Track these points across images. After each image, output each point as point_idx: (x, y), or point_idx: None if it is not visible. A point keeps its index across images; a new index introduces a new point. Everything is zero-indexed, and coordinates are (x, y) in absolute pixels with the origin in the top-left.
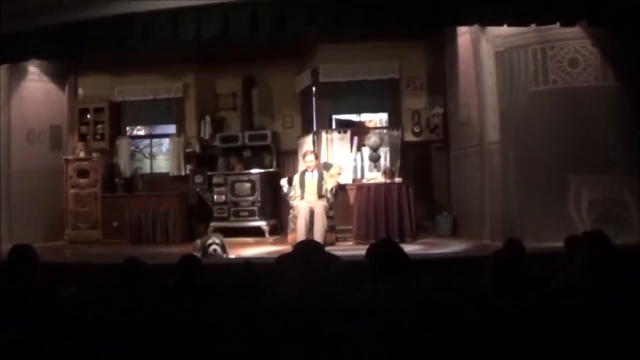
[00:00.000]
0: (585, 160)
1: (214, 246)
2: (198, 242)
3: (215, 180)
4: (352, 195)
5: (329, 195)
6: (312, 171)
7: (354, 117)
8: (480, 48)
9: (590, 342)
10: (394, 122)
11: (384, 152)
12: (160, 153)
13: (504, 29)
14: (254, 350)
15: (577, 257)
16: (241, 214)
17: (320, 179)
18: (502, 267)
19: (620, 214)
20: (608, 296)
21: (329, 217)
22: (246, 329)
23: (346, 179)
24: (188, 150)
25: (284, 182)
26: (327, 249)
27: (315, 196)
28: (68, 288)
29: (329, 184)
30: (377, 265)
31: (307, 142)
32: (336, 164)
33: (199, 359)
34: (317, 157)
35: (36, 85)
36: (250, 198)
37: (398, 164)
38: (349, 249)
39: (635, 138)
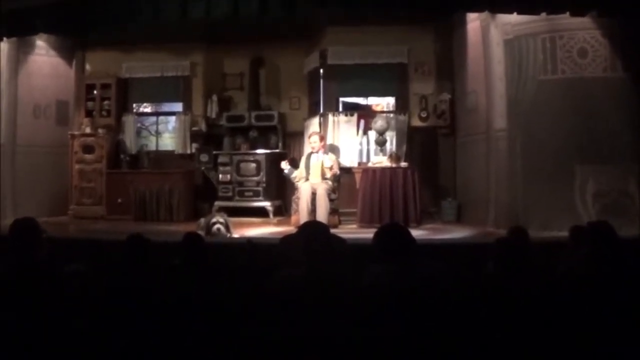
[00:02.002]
0: (591, 151)
1: (218, 225)
2: (202, 220)
3: (220, 159)
4: (357, 178)
5: (332, 180)
6: (317, 152)
7: (361, 101)
8: (490, 35)
9: (593, 333)
10: (401, 107)
11: (390, 137)
12: (166, 131)
13: (514, 17)
14: (260, 330)
15: (582, 247)
16: (246, 194)
17: (323, 166)
18: (505, 254)
19: (625, 205)
20: (612, 287)
21: (330, 200)
22: (252, 309)
23: (352, 162)
24: (194, 128)
25: (284, 164)
26: (331, 231)
27: (319, 179)
28: (73, 264)
29: (327, 174)
30: (385, 248)
31: (314, 124)
32: (329, 157)
33: (205, 339)
34: (322, 138)
35: (43, 59)
36: (255, 178)
37: (404, 148)
38: (353, 232)
39: None
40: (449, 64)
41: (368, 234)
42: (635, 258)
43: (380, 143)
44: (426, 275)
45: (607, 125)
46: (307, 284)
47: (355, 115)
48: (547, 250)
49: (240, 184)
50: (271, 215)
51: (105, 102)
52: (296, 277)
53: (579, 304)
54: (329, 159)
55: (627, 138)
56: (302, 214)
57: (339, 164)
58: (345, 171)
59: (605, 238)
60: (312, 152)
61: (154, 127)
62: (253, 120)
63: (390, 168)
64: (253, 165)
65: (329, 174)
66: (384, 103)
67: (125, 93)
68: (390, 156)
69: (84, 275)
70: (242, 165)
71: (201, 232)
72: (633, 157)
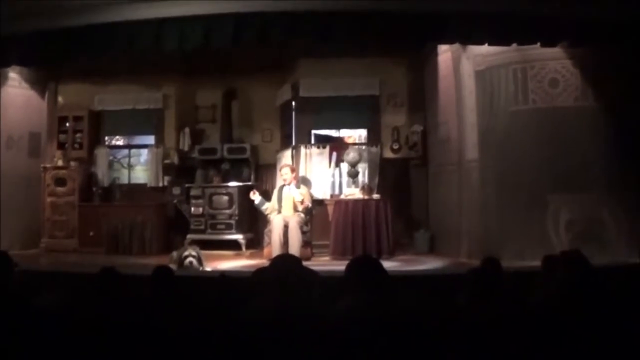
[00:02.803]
0: (564, 180)
1: (190, 258)
2: (174, 254)
3: (193, 192)
4: (329, 210)
5: (303, 213)
6: (289, 185)
7: (333, 133)
8: (461, 66)
9: None
10: (373, 139)
11: (363, 168)
12: (138, 163)
13: (485, 48)
14: None
15: (555, 276)
16: (218, 226)
17: (294, 200)
18: (478, 286)
19: (599, 233)
20: (585, 316)
21: (303, 232)
22: (223, 340)
23: (324, 194)
24: (166, 161)
25: (253, 195)
26: (303, 264)
27: (291, 211)
28: (45, 295)
29: (298, 207)
30: (357, 280)
31: (286, 157)
32: (300, 191)
33: None
34: (293, 170)
35: (16, 91)
36: (228, 211)
37: (376, 180)
38: (326, 264)
39: (614, 158)
40: (421, 95)
41: (341, 266)
42: (608, 286)
43: (353, 175)
44: (398, 307)
45: (579, 155)
46: (278, 317)
47: (328, 148)
48: (520, 280)
49: (213, 216)
50: (244, 248)
51: (78, 135)
52: (267, 309)
53: (551, 334)
54: (299, 193)
55: (599, 167)
56: (274, 247)
57: (310, 196)
58: (318, 203)
59: (578, 267)
60: (283, 185)
61: (126, 160)
62: (225, 153)
63: (363, 200)
64: (225, 198)
65: (300, 207)
66: (356, 135)
67: (98, 125)
68: (363, 188)
69: (55, 307)
70: (215, 198)
71: (173, 265)
72: (606, 186)
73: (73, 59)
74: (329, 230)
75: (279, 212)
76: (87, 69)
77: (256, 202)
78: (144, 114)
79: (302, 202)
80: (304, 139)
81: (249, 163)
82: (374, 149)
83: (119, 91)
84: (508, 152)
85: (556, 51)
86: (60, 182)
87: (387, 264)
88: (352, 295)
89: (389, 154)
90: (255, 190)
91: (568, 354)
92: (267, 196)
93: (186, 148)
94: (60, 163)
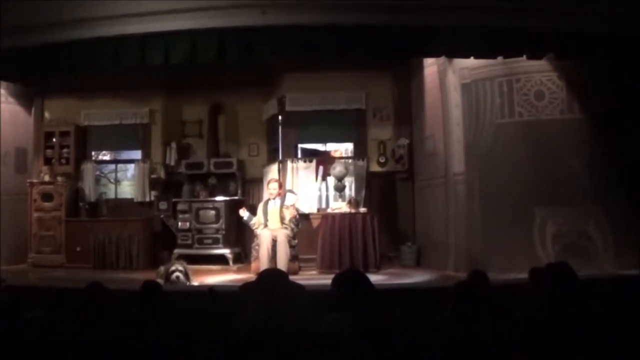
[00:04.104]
0: (550, 192)
1: (177, 273)
2: (161, 268)
3: (179, 207)
4: (316, 224)
5: (292, 225)
6: (274, 199)
7: (319, 147)
8: (447, 80)
9: None
10: (360, 152)
11: (349, 182)
12: (125, 178)
13: (471, 61)
14: None
15: (541, 288)
16: (205, 241)
17: (283, 207)
18: (464, 298)
19: (585, 245)
20: (571, 328)
21: (291, 246)
22: (210, 354)
23: (311, 208)
24: (153, 176)
25: (242, 212)
26: (290, 277)
27: (278, 224)
28: (33, 311)
29: (287, 216)
30: (343, 294)
31: (273, 171)
32: (290, 195)
33: None
34: (281, 185)
35: (2, 107)
36: (215, 225)
37: (363, 194)
38: (313, 278)
39: (600, 170)
40: (407, 109)
41: (328, 279)
42: (594, 298)
43: (339, 189)
44: (385, 321)
45: (565, 167)
46: (266, 331)
47: (314, 162)
48: (507, 292)
49: (200, 231)
50: (231, 263)
51: (64, 150)
52: (255, 324)
53: (538, 346)
54: (292, 197)
55: (585, 179)
56: (262, 261)
57: (297, 209)
58: (305, 217)
59: (565, 279)
60: (269, 199)
61: (113, 175)
62: (212, 168)
63: (350, 213)
64: (212, 212)
65: (289, 216)
66: (343, 149)
67: (84, 141)
68: (349, 202)
69: (43, 322)
70: (201, 212)
71: (160, 280)
72: (592, 198)
73: (59, 74)
74: (316, 244)
75: (265, 225)
76: (74, 84)
77: (245, 218)
78: (130, 129)
79: (292, 206)
80: (291, 153)
81: (235, 177)
82: (360, 163)
83: (105, 106)
84: (494, 165)
85: (542, 64)
86: (47, 197)
87: (374, 278)
88: (339, 309)
89: (375, 168)
90: (244, 207)
91: None
92: (254, 210)
93: (173, 163)
94: (46, 178)
